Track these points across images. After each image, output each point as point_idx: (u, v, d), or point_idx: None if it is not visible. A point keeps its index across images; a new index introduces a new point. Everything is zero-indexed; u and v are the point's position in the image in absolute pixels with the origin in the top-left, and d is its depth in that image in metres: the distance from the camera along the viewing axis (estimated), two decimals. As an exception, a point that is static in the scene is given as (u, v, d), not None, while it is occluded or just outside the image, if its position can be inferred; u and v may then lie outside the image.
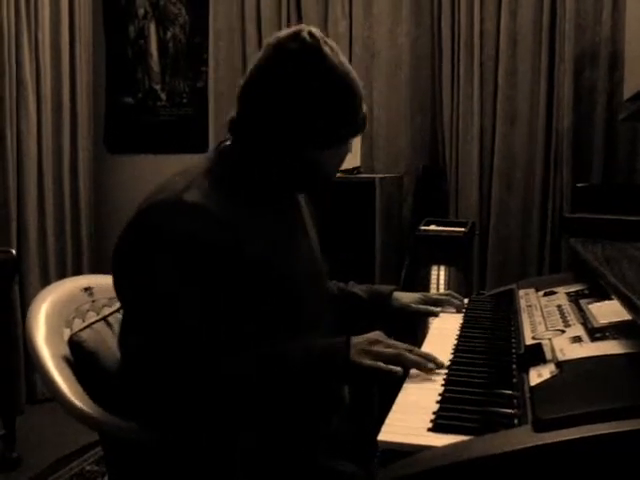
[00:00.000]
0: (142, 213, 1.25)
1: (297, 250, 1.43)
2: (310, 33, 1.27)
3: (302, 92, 1.26)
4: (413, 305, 1.70)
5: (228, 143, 1.39)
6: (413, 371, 1.25)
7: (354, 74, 1.30)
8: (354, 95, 1.30)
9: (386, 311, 1.68)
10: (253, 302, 1.28)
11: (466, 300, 1.82)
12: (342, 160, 1.38)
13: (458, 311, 1.73)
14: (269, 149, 1.31)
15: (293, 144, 1.29)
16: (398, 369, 1.21)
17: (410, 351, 1.26)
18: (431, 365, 1.25)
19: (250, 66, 1.32)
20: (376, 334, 1.29)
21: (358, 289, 1.71)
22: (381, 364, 1.21)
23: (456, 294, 1.79)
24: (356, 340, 1.26)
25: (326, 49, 1.26)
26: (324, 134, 1.29)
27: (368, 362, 1.22)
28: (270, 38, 1.31)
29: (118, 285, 1.29)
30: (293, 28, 1.29)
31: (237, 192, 1.31)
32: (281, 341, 1.29)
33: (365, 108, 1.34)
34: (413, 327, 1.88)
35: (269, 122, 1.28)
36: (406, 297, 1.72)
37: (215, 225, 1.23)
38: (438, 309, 1.71)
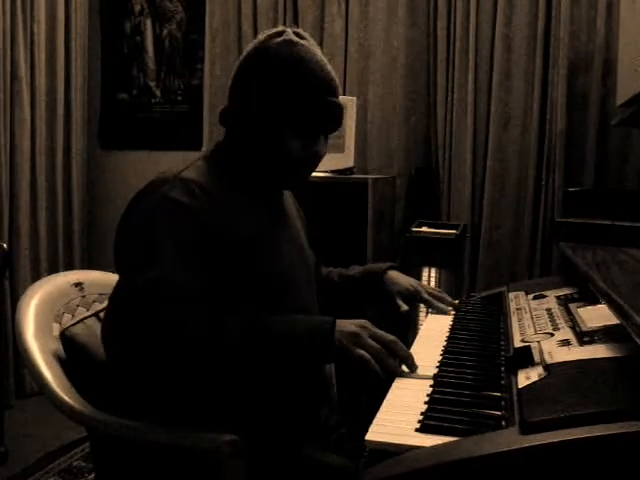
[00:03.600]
0: (141, 191, 1.33)
1: (281, 235, 1.47)
2: (294, 31, 1.40)
3: (275, 81, 1.35)
4: (398, 300, 1.70)
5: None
6: (404, 367, 1.26)
7: (329, 68, 1.39)
8: (326, 87, 1.38)
9: (377, 291, 1.73)
10: (238, 282, 1.30)
11: (456, 301, 1.83)
12: (319, 155, 1.42)
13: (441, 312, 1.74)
14: (250, 138, 1.40)
15: (269, 132, 1.37)
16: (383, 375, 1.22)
17: (393, 344, 1.26)
18: (406, 371, 1.26)
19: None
20: (363, 321, 1.29)
21: (356, 271, 1.76)
22: (371, 359, 1.22)
23: (448, 298, 1.79)
24: (342, 322, 1.26)
25: (302, 43, 1.37)
26: (295, 123, 1.36)
27: (359, 351, 1.22)
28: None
29: (117, 259, 1.32)
30: (279, 27, 1.42)
31: (228, 177, 1.40)
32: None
33: (339, 102, 1.40)
34: (404, 327, 1.88)
35: (248, 111, 1.38)
36: (400, 282, 1.73)
37: (209, 201, 1.30)
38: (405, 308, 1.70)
